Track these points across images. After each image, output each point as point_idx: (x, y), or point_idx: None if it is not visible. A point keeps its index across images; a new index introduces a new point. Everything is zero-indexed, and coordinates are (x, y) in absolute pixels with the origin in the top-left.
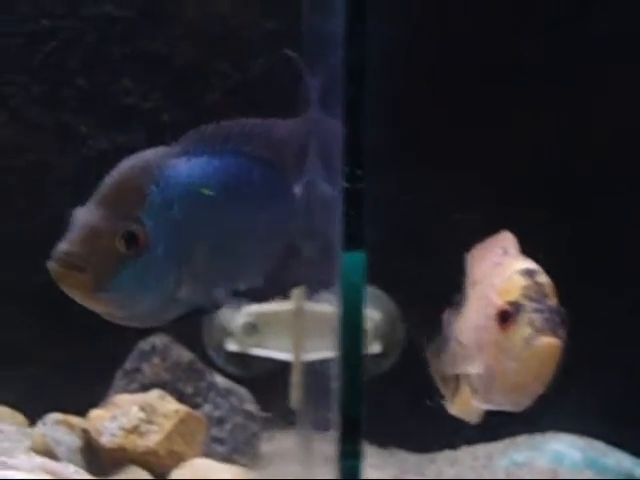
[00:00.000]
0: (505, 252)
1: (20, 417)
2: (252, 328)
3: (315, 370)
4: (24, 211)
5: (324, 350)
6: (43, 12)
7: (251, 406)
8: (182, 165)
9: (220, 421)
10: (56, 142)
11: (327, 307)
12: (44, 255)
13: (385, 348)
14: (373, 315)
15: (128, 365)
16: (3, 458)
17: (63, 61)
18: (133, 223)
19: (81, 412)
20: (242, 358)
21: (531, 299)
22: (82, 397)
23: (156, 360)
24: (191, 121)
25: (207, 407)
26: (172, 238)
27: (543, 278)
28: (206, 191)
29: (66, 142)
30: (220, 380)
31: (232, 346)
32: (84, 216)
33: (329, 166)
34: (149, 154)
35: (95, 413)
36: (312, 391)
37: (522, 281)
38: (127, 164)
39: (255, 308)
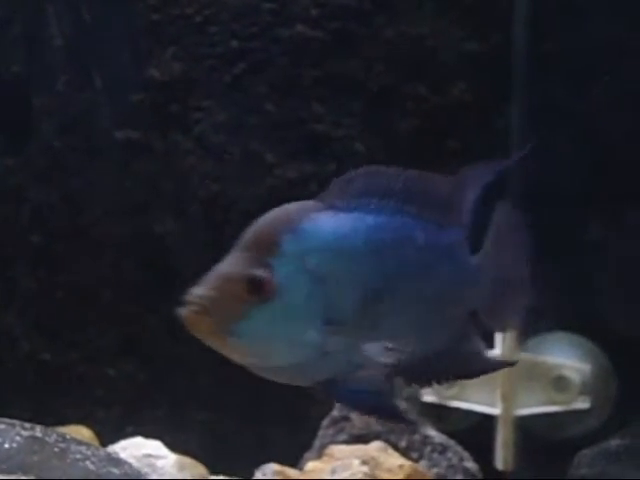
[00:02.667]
0: None
1: (201, 468)
2: None
3: (525, 427)
4: (207, 242)
5: (536, 404)
6: (232, 33)
7: (471, 464)
8: (326, 218)
9: None
10: (241, 171)
11: (539, 357)
12: None
13: (593, 404)
14: (582, 368)
15: (336, 413)
16: None
17: (251, 85)
18: (261, 269)
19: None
20: (439, 411)
21: None
22: (276, 446)
23: None
24: (385, 149)
25: (423, 463)
26: (308, 289)
27: None
28: None
29: (252, 171)
30: (434, 434)
31: (429, 397)
32: (220, 264)
33: None
34: (293, 206)
35: (312, 465)
36: (522, 450)
37: None
38: (268, 214)
39: None
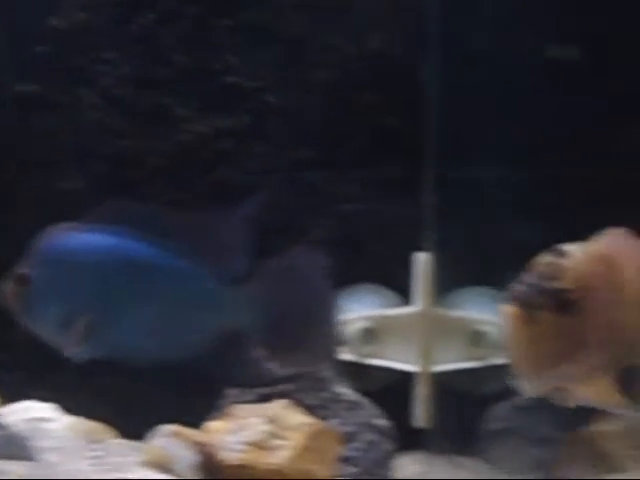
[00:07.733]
0: None
1: (113, 432)
2: (370, 335)
3: (444, 383)
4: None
5: (454, 360)
6: None
7: (382, 422)
8: (66, 234)
9: (349, 438)
10: (150, 126)
11: (456, 312)
12: None
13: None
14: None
15: None
16: (119, 474)
17: (159, 35)
18: (26, 269)
19: (188, 425)
20: (357, 369)
21: None
22: (184, 409)
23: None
24: (299, 101)
25: (333, 422)
26: (50, 289)
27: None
28: None
29: (161, 126)
30: (345, 391)
31: (346, 355)
32: None
33: None
34: (60, 225)
35: (212, 425)
36: (441, 407)
37: None
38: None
39: (373, 312)
